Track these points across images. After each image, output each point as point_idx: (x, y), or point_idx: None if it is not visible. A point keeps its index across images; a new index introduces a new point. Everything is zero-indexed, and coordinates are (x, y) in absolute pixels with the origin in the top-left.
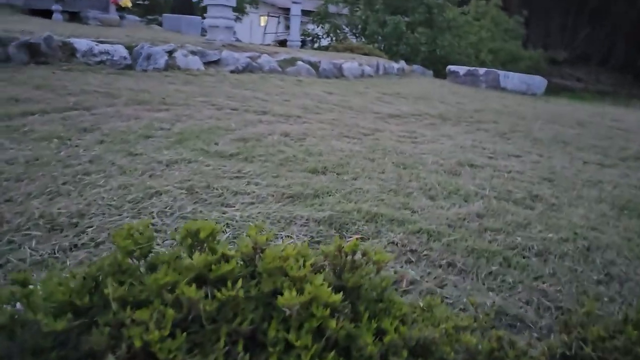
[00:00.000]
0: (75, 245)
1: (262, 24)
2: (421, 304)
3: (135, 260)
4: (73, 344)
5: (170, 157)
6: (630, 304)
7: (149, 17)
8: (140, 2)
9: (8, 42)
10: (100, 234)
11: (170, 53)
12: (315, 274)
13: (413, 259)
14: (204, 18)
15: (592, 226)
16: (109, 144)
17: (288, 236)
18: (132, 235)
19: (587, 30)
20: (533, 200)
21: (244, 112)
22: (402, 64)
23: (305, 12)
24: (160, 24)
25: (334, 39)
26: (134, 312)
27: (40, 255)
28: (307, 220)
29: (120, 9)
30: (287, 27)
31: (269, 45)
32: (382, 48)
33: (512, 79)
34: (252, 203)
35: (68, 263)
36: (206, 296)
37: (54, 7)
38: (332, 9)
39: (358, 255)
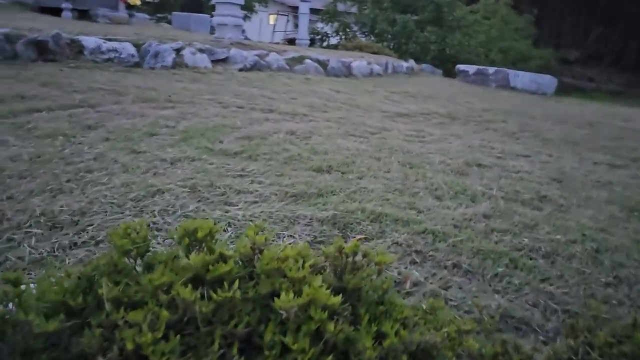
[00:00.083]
0: (75, 244)
1: (272, 22)
2: (424, 307)
3: (132, 260)
4: (65, 345)
5: (174, 155)
6: (639, 308)
7: (159, 15)
8: (150, 0)
9: (16, 40)
10: (100, 233)
11: (178, 51)
12: (316, 275)
13: (418, 260)
14: (212, 16)
15: (601, 228)
16: (113, 141)
17: (290, 236)
18: (129, 235)
19: (600, 30)
20: (541, 201)
21: (250, 110)
22: (411, 62)
23: (314, 11)
24: (169, 22)
25: (343, 37)
26: (127, 313)
27: (39, 254)
28: (310, 219)
29: (130, 7)
30: (296, 26)
31: (277, 43)
32: (391, 47)
33: (522, 78)
34: (255, 202)
35: (67, 261)
36: (202, 297)
37: (64, 5)
38: (341, 7)
39: (359, 257)
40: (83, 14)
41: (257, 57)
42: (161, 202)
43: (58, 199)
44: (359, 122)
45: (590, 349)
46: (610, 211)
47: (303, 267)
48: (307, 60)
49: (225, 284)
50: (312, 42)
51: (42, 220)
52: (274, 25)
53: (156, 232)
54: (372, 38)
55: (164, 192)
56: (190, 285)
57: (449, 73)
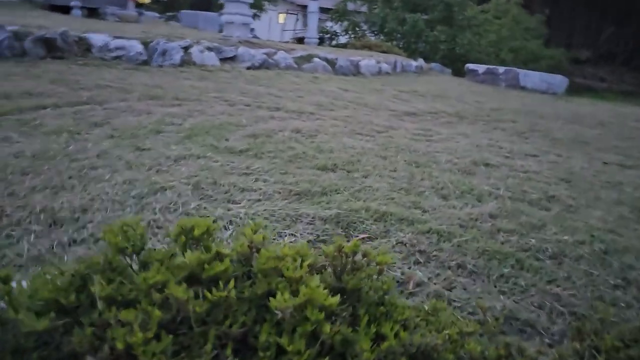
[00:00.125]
0: (75, 241)
1: (281, 21)
2: (426, 308)
3: (127, 258)
4: (57, 344)
5: (178, 152)
6: None
7: (168, 13)
8: None
9: (24, 37)
10: (100, 230)
11: (186, 49)
12: (317, 274)
13: (421, 260)
14: (221, 15)
15: (610, 229)
16: (118, 138)
17: (292, 234)
18: (126, 232)
19: (611, 30)
20: (549, 201)
21: (257, 108)
22: (420, 61)
23: (324, 10)
24: (178, 21)
25: (352, 36)
26: (120, 312)
27: (37, 251)
28: (313, 218)
29: (139, 5)
30: (306, 25)
31: (286, 42)
32: (400, 46)
33: (532, 77)
34: (259, 200)
35: (66, 259)
36: (197, 296)
37: (73, 3)
38: (350, 6)
39: (360, 257)
40: (92, 12)
41: (265, 55)
42: (163, 200)
43: (59, 195)
44: (366, 120)
45: (596, 352)
46: (620, 212)
47: (301, 266)
48: (316, 59)
49: (221, 283)
50: (322, 41)
51: (42, 217)
52: (284, 24)
53: (157, 230)
54: (382, 37)
55: (166, 190)
56: (184, 284)
57: (459, 72)
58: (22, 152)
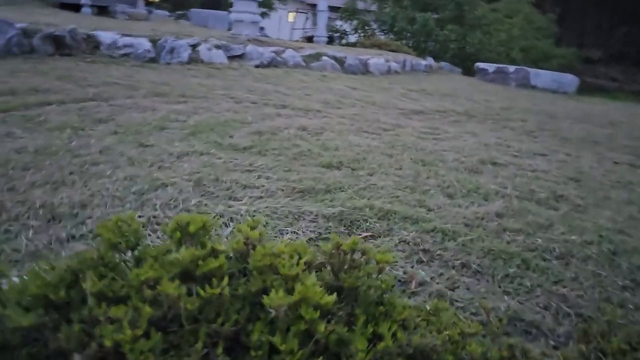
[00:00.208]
0: (73, 237)
1: (291, 20)
2: (428, 307)
3: (122, 254)
4: (45, 340)
5: (181, 149)
6: None
7: (178, 12)
8: None
9: (33, 34)
10: None
11: (194, 47)
12: (317, 272)
13: (425, 259)
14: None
15: (619, 229)
16: (122, 135)
17: (294, 232)
18: (120, 228)
19: (624, 29)
20: (557, 201)
21: (263, 106)
22: (430, 60)
23: (334, 9)
24: (188, 19)
25: (361, 35)
26: (110, 308)
27: (35, 246)
28: (315, 216)
29: (149, 3)
30: (315, 24)
31: (295, 41)
32: (410, 45)
33: (542, 77)
34: (261, 197)
35: (63, 254)
36: (190, 293)
37: (83, 1)
38: (360, 5)
39: (359, 255)
40: (102, 10)
41: (274, 53)
42: (164, 196)
43: (59, 191)
44: (373, 118)
45: (602, 355)
46: (630, 212)
47: (297, 264)
48: (324, 57)
49: (214, 280)
50: (331, 40)
51: (41, 212)
52: (293, 23)
53: (156, 226)
54: (391, 36)
55: (167, 186)
56: (177, 281)
57: (469, 71)
58: (24, 148)
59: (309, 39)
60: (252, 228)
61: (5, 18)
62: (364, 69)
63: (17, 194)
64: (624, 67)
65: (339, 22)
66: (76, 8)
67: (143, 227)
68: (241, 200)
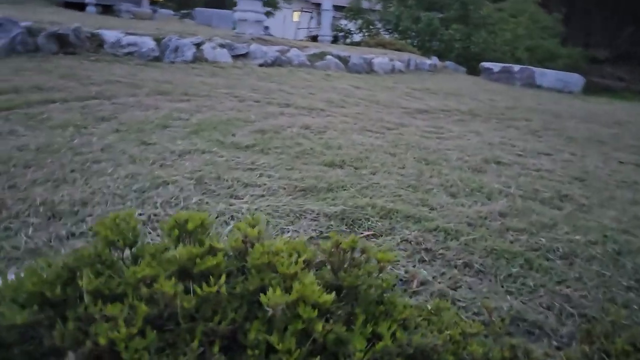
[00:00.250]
0: (73, 234)
1: (295, 19)
2: (429, 307)
3: (119, 252)
4: (40, 338)
5: (183, 147)
6: None
7: (183, 11)
8: None
9: (37, 33)
10: None
11: (198, 45)
12: (317, 270)
13: (427, 258)
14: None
15: (624, 229)
16: (124, 133)
17: (295, 231)
18: (118, 225)
19: (631, 29)
20: (561, 200)
21: (267, 105)
22: (434, 60)
23: (338, 8)
24: (193, 19)
25: (366, 34)
26: (106, 306)
27: (35, 243)
28: (317, 214)
29: (153, 2)
30: (320, 23)
31: (300, 40)
32: (415, 44)
33: (548, 76)
34: (262, 195)
35: (63, 252)
36: (187, 292)
37: (88, 0)
38: (365, 4)
39: (358, 253)
40: (107, 9)
41: (278, 52)
42: (165, 194)
43: (60, 189)
44: (377, 117)
45: (606, 356)
46: (635, 212)
47: (296, 262)
48: (328, 56)
49: (212, 278)
50: (336, 39)
51: (41, 210)
52: (298, 22)
53: (157, 224)
54: (396, 35)
55: (168, 184)
56: (173, 279)
57: (473, 71)
58: (26, 146)
59: (314, 39)
60: (252, 226)
61: (9, 17)
62: (368, 68)
63: (18, 192)
64: (630, 67)
65: (343, 22)
66: (81, 7)
67: (144, 225)
68: (242, 199)
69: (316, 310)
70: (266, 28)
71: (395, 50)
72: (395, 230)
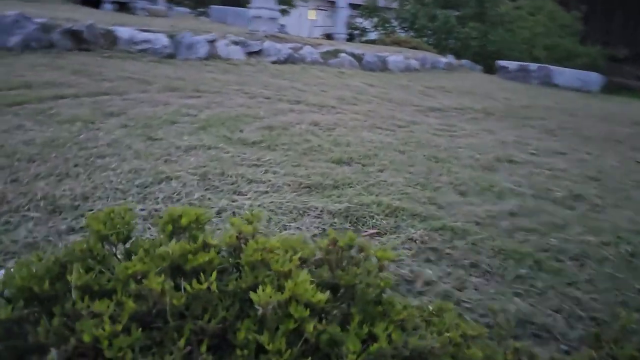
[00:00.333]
0: (73, 229)
1: (311, 17)
2: (430, 308)
3: (112, 247)
4: (25, 334)
5: (189, 143)
6: None
7: (199, 9)
8: None
9: (52, 29)
10: None
11: (212, 43)
12: (316, 269)
13: (433, 258)
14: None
15: (639, 230)
16: (131, 128)
17: (298, 228)
18: (112, 220)
19: None
20: (574, 200)
21: (277, 101)
22: (450, 58)
23: (354, 6)
24: (208, 16)
25: (382, 32)
26: (93, 302)
27: (33, 238)
28: (321, 211)
29: (169, 0)
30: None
31: (314, 38)
32: (430, 42)
33: (565, 75)
34: (266, 192)
35: (61, 246)
36: (178, 288)
37: None
38: (381, 2)
39: (357, 251)
40: (122, 7)
41: (291, 50)
42: (167, 190)
43: (63, 183)
44: (388, 115)
45: None
46: None
47: (291, 260)
48: (342, 54)
49: (203, 276)
50: (351, 37)
51: (42, 204)
52: (314, 20)
53: (157, 220)
54: (412, 33)
55: (171, 180)
56: (162, 275)
57: (490, 69)
58: (32, 140)
59: (329, 37)
60: (250, 222)
61: (24, 13)
62: (383, 66)
63: (20, 186)
64: None
65: (359, 20)
66: (97, 4)
67: (144, 220)
68: (246, 195)
69: (308, 310)
70: (282, 26)
71: (411, 48)
72: (401, 229)
